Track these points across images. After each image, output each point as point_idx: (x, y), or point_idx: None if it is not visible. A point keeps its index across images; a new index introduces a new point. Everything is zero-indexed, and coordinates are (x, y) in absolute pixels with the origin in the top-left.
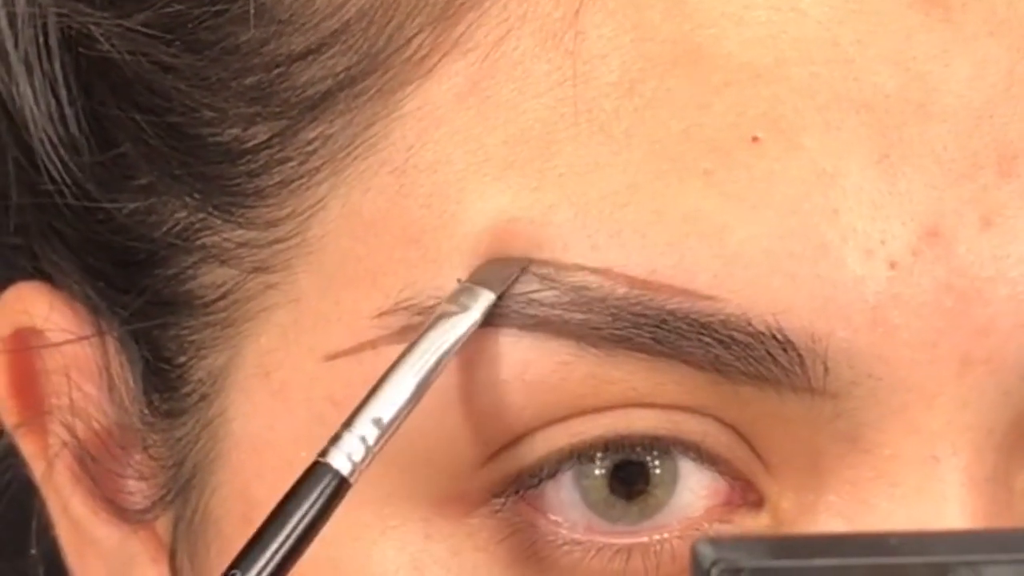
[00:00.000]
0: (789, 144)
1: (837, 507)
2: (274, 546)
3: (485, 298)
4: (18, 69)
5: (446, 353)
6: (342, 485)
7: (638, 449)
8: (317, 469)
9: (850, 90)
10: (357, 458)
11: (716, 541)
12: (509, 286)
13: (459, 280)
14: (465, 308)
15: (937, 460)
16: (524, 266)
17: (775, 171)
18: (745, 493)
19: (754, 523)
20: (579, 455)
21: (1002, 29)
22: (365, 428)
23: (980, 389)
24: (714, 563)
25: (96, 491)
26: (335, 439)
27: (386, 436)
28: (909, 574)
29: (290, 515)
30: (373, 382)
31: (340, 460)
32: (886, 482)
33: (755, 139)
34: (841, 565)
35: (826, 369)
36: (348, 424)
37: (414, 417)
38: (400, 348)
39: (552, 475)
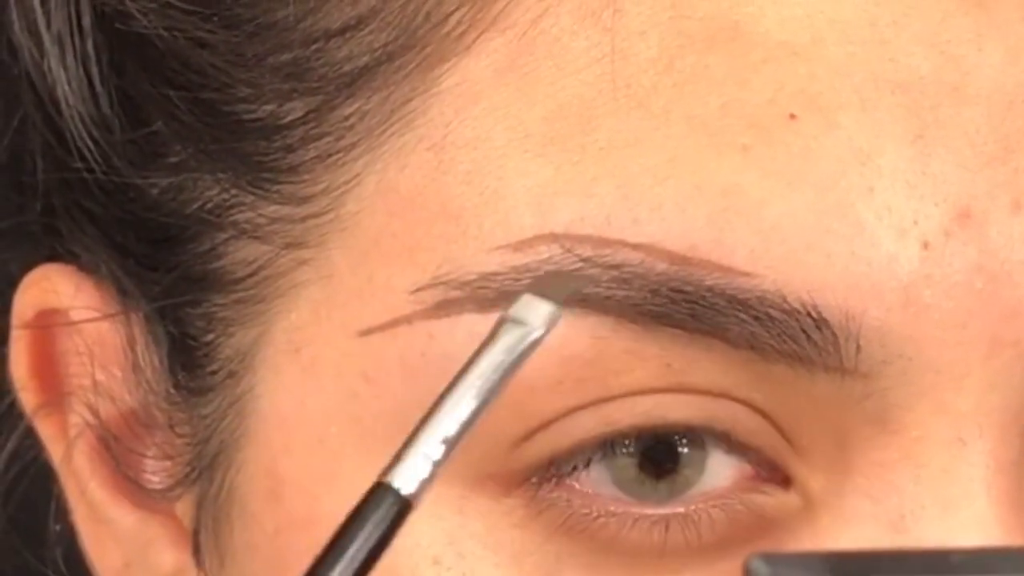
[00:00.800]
0: (826, 122)
1: (864, 488)
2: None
3: (549, 312)
4: (51, 49)
5: (508, 371)
6: (405, 507)
7: (669, 435)
8: (379, 490)
9: (886, 70)
10: (421, 477)
11: (771, 557)
12: (574, 299)
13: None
14: (527, 323)
15: (964, 443)
16: (587, 283)
17: (812, 148)
18: (773, 473)
19: (784, 498)
20: (612, 443)
21: None
22: (430, 446)
23: (1008, 372)
24: None
25: (116, 474)
26: (397, 458)
27: (450, 454)
28: None
29: (352, 538)
30: (407, 358)
31: (403, 480)
32: (913, 463)
33: (792, 116)
34: None
35: (858, 348)
36: (410, 442)
37: None
38: (436, 324)
39: (586, 463)
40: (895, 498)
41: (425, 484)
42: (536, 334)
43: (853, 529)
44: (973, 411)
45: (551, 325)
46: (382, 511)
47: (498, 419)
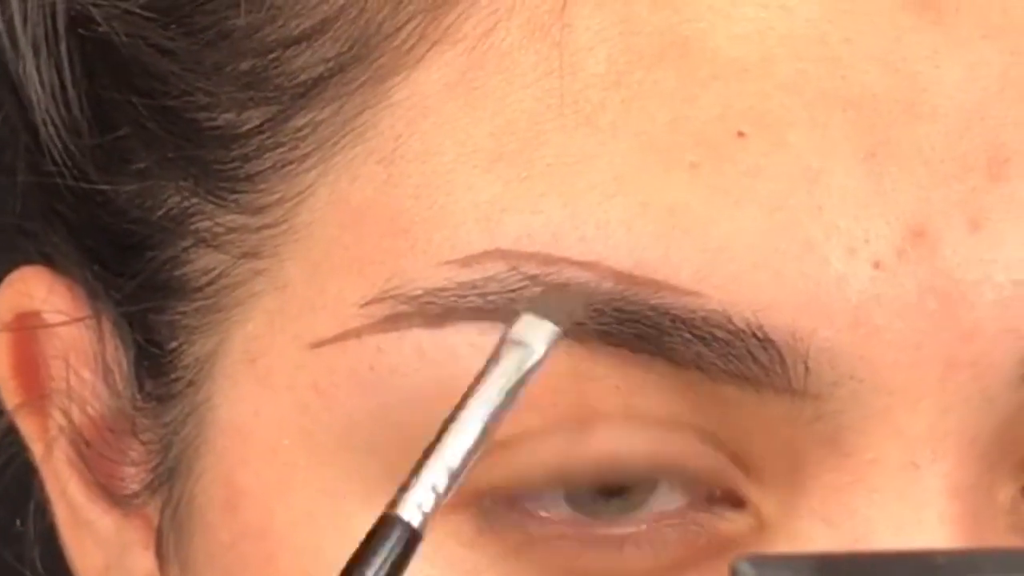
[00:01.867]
0: (775, 140)
1: (819, 511)
2: None
3: (549, 332)
4: (26, 50)
5: (511, 394)
6: (413, 538)
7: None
8: (387, 521)
9: (837, 88)
10: (427, 508)
11: (757, 560)
12: (573, 321)
13: (520, 312)
14: (528, 344)
15: (917, 466)
16: (584, 301)
17: (760, 166)
18: (726, 495)
19: (739, 519)
20: (566, 481)
21: (996, 33)
22: (435, 476)
23: (964, 394)
24: None
25: (91, 477)
26: (403, 489)
27: (456, 483)
28: None
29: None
30: (356, 371)
31: (410, 512)
32: (866, 487)
33: (741, 134)
34: None
35: (807, 369)
36: (416, 472)
37: (399, 408)
38: (384, 338)
39: (538, 497)
40: (849, 521)
41: (429, 516)
42: (536, 356)
43: (808, 551)
44: (927, 434)
45: (551, 345)
46: (391, 543)
47: None
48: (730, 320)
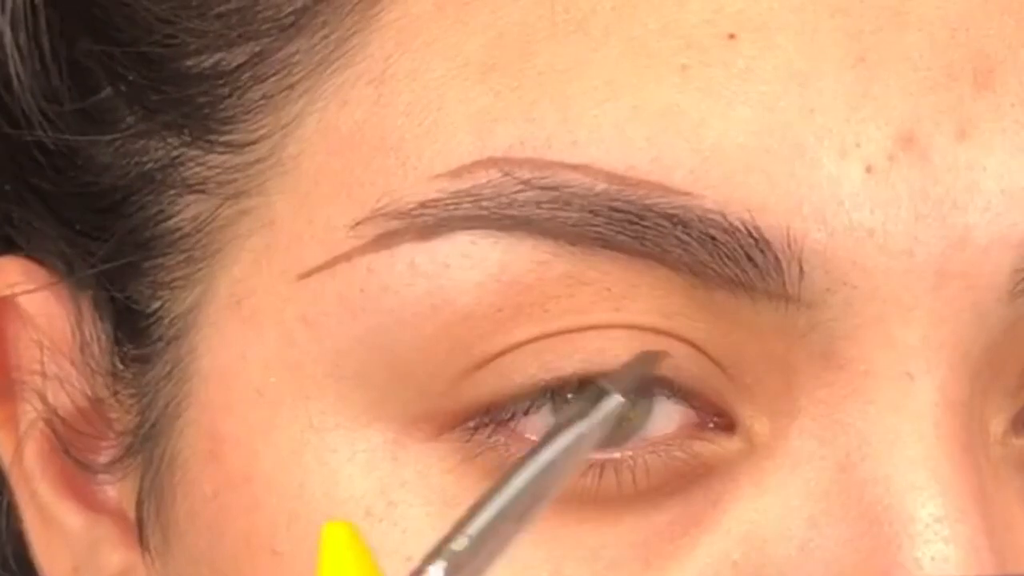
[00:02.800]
0: (765, 43)
1: (810, 429)
2: None
3: (611, 402)
4: (4, 28)
5: (563, 455)
6: None
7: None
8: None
9: None
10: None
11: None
12: (638, 387)
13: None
14: (586, 414)
15: (912, 377)
16: (654, 359)
17: (751, 68)
18: (717, 419)
19: (727, 444)
20: (553, 391)
21: None
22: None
23: (956, 306)
24: None
25: (65, 470)
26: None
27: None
28: None
29: None
30: (345, 296)
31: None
32: (861, 399)
33: (731, 36)
34: None
35: (801, 272)
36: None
37: (389, 330)
38: (375, 257)
39: (525, 411)
40: (841, 437)
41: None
42: (591, 423)
43: (798, 471)
44: (921, 345)
45: (609, 415)
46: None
47: (435, 353)
48: (725, 219)
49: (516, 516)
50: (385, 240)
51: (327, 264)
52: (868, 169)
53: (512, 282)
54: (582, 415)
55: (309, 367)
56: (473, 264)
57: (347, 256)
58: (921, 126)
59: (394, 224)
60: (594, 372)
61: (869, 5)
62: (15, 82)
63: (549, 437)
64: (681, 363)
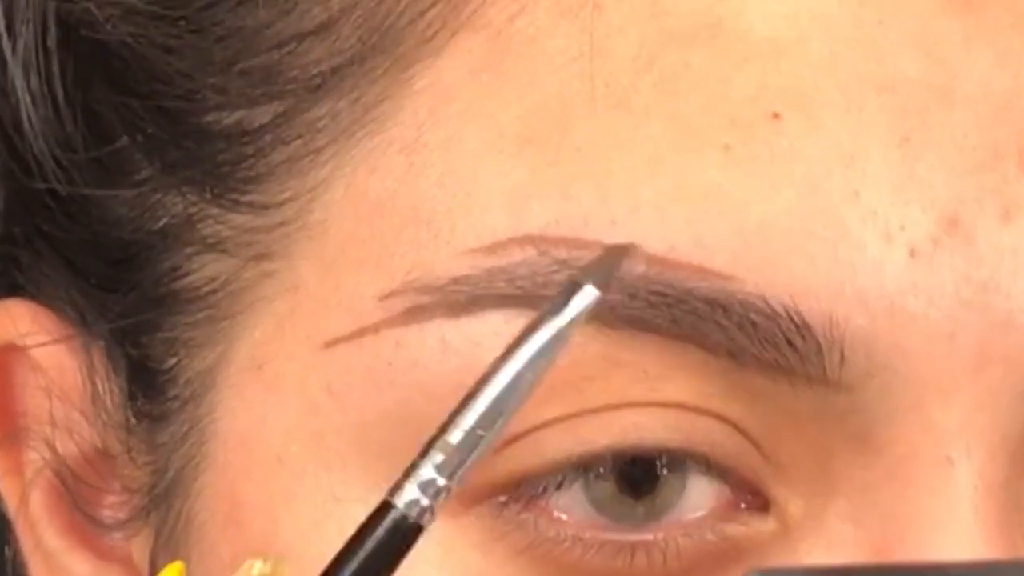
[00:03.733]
0: (810, 122)
1: (846, 511)
2: None
3: (586, 295)
4: (16, 71)
5: (540, 353)
6: (417, 527)
7: (647, 458)
8: (384, 509)
9: (872, 71)
10: (428, 501)
11: (769, 572)
12: (611, 277)
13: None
14: (561, 308)
15: (951, 462)
16: (623, 254)
17: (796, 149)
18: (752, 499)
19: (761, 526)
20: (587, 465)
21: (1023, 22)
22: (454, 441)
23: (997, 389)
24: None
25: (73, 519)
26: (408, 473)
27: (482, 447)
28: None
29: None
30: (372, 369)
31: (409, 501)
32: (898, 483)
33: (776, 115)
34: None
35: (843, 357)
36: (418, 459)
37: (417, 405)
38: (404, 331)
39: (558, 485)
40: (878, 520)
41: (432, 506)
42: (568, 317)
43: (834, 554)
44: (961, 429)
45: (587, 307)
46: (384, 532)
47: None
48: (767, 304)
49: (499, 412)
50: (415, 314)
51: (354, 335)
52: (912, 253)
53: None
54: (557, 310)
55: (332, 437)
56: (505, 344)
57: (375, 328)
58: (966, 208)
59: (425, 299)
60: (628, 447)
61: (916, 82)
62: (27, 125)
63: (528, 331)
64: (716, 439)
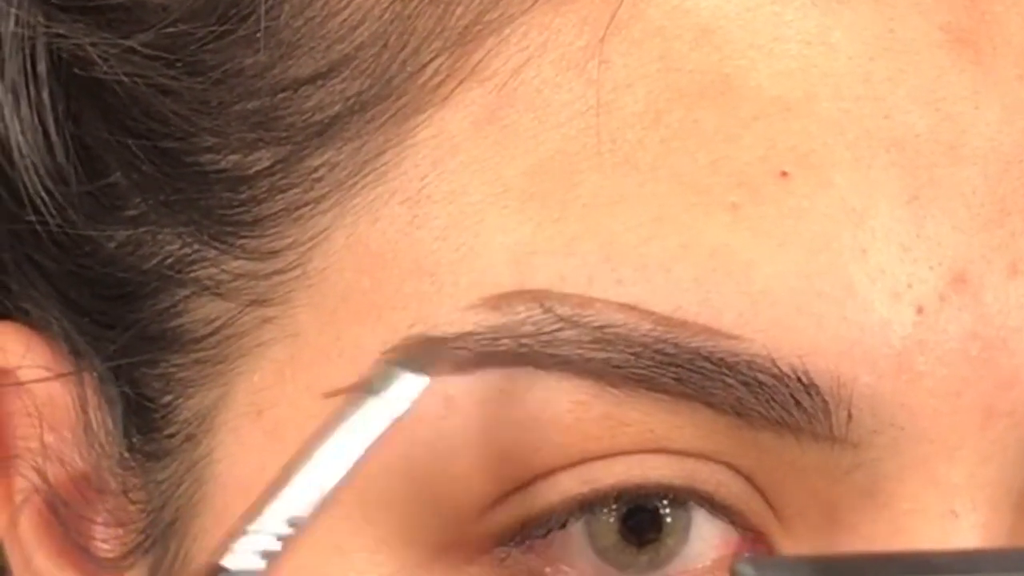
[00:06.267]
0: (819, 180)
1: None
2: None
3: (410, 383)
4: (3, 97)
5: (367, 449)
6: None
7: (651, 497)
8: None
9: (880, 128)
10: (273, 548)
11: (757, 561)
12: (436, 367)
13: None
14: (390, 396)
15: (956, 515)
16: (448, 345)
17: (804, 207)
18: (756, 544)
19: None
20: (591, 504)
21: None
22: (277, 527)
23: (1002, 443)
24: None
25: (63, 543)
26: (234, 537)
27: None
28: None
29: None
30: None
31: (247, 559)
32: (904, 538)
33: (784, 174)
34: None
35: (850, 416)
36: (250, 521)
37: (420, 460)
38: None
39: (562, 524)
40: None
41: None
42: (397, 408)
43: None
44: (966, 483)
45: (413, 398)
46: None
47: (467, 486)
48: (774, 364)
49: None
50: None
51: (355, 387)
52: (919, 311)
53: (551, 421)
54: (377, 391)
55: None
56: (510, 402)
57: None
58: (973, 266)
59: (428, 355)
60: (633, 485)
61: (925, 138)
62: (16, 154)
63: (347, 415)
64: (722, 479)
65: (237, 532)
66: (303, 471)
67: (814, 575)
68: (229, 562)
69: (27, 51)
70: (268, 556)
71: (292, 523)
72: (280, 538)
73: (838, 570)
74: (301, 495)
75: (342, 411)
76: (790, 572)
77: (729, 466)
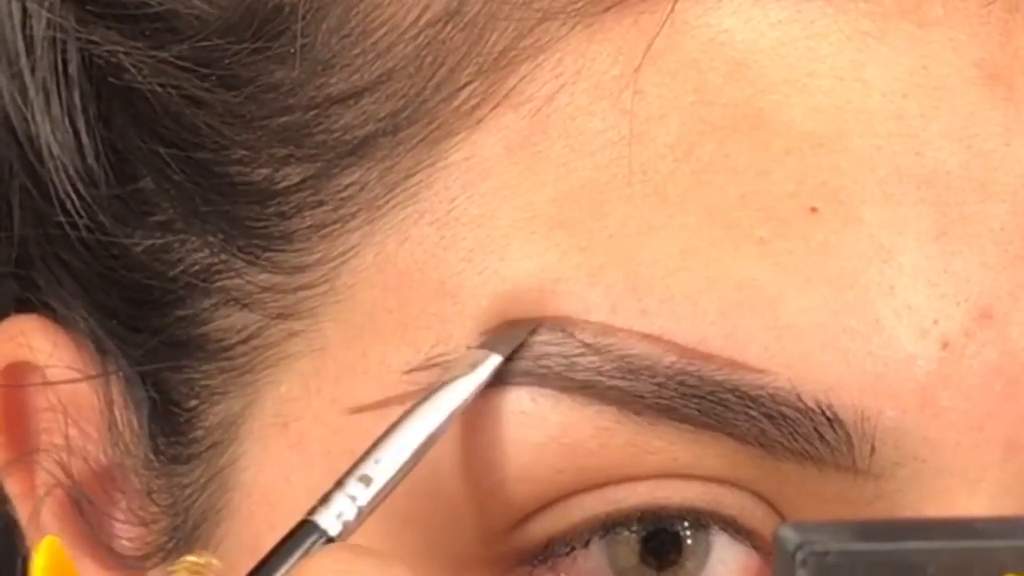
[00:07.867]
0: (848, 216)
1: None
2: None
3: (493, 361)
4: (35, 97)
5: (450, 416)
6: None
7: (673, 519)
8: (305, 527)
9: (911, 164)
10: (348, 518)
11: (801, 525)
12: (518, 348)
13: (467, 347)
14: (472, 370)
15: None
16: (534, 327)
17: (832, 243)
18: None
19: None
20: (614, 525)
21: None
22: (357, 488)
23: (1023, 476)
24: (799, 546)
25: (85, 536)
26: (325, 499)
27: (379, 498)
28: (994, 557)
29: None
30: None
31: (328, 520)
32: None
33: (813, 209)
34: (926, 548)
35: (873, 449)
36: (340, 483)
37: (443, 479)
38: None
39: (585, 544)
40: None
41: (352, 525)
42: (478, 379)
43: None
44: (987, 514)
45: (493, 372)
46: (304, 548)
47: (490, 506)
48: (799, 399)
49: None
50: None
51: (380, 404)
52: (944, 346)
53: (575, 445)
54: (464, 374)
55: None
56: (532, 423)
57: (401, 400)
58: (1000, 302)
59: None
60: (655, 507)
61: (955, 175)
62: (47, 155)
63: (436, 391)
64: (745, 504)
65: (325, 494)
66: (387, 442)
67: (856, 537)
68: (316, 516)
69: (58, 51)
70: (348, 515)
71: (368, 484)
72: (358, 500)
73: (880, 533)
74: (383, 463)
75: (431, 389)
76: (832, 534)
77: (752, 492)
